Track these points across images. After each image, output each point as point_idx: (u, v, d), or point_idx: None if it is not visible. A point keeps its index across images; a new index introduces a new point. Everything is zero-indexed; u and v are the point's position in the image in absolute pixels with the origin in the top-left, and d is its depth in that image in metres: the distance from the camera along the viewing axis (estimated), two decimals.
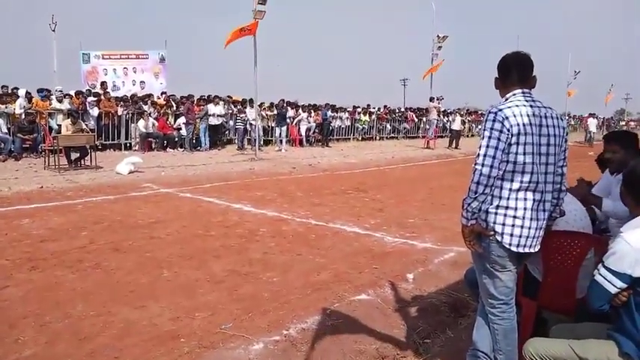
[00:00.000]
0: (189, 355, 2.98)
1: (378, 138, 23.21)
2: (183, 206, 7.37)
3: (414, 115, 25.92)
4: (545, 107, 2.34)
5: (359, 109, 22.86)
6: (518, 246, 2.30)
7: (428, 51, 21.13)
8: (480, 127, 23.53)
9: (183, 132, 15.38)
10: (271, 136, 18.32)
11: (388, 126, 24.36)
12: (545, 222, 2.38)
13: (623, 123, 43.22)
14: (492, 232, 2.31)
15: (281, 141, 16.95)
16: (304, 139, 19.03)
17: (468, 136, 27.16)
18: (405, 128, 25.30)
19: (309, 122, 19.46)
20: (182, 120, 15.39)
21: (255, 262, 4.80)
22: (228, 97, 18.11)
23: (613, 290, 2.01)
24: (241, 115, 16.49)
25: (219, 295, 3.95)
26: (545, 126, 2.30)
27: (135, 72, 19.55)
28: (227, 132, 17.63)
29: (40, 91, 13.84)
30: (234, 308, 3.67)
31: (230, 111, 17.16)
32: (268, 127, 18.42)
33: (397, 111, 26.14)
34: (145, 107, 15.28)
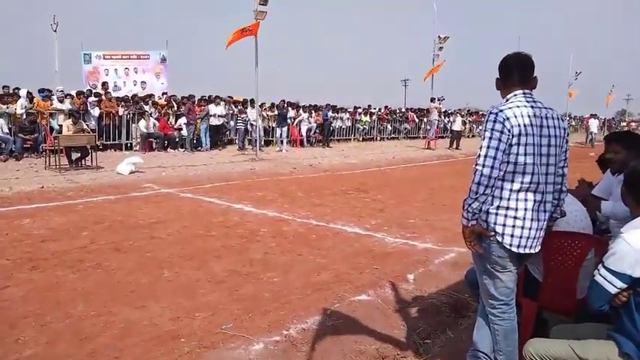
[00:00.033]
0: (190, 355, 2.98)
1: (378, 138, 23.21)
2: (184, 206, 7.37)
3: (414, 116, 25.92)
4: (546, 108, 2.34)
5: (360, 110, 22.88)
6: (518, 246, 2.30)
7: (429, 51, 21.15)
8: (480, 127, 23.52)
9: (184, 132, 15.39)
10: (272, 137, 18.33)
11: (389, 126, 24.36)
12: (545, 223, 2.38)
13: (624, 124, 43.18)
14: (493, 233, 2.31)
15: (282, 141, 16.96)
16: (305, 140, 19.03)
17: (468, 136, 27.16)
18: (405, 129, 25.30)
19: (310, 123, 19.47)
20: (183, 120, 15.40)
21: (256, 262, 4.80)
22: (229, 97, 18.12)
23: (613, 290, 2.02)
24: (242, 116, 16.50)
25: (220, 295, 3.95)
26: (546, 127, 2.30)
27: (136, 72, 19.57)
28: (228, 132, 17.64)
29: (41, 91, 13.86)
30: (234, 308, 3.68)
31: (231, 111, 17.18)
32: (269, 127, 18.43)
33: (398, 111, 26.13)
34: (146, 107, 15.30)
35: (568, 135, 2.42)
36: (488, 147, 2.23)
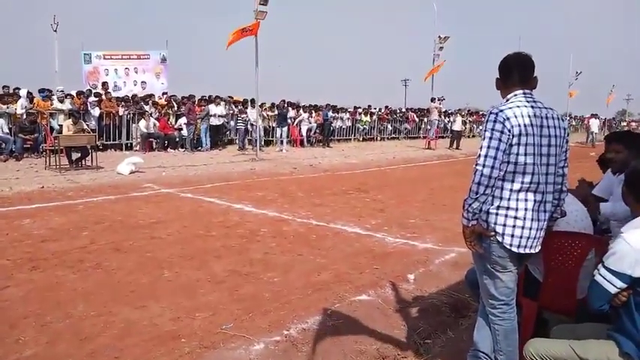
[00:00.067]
0: (190, 355, 2.98)
1: (379, 138, 23.22)
2: (184, 206, 7.37)
3: (415, 116, 25.92)
4: (546, 108, 2.34)
5: (360, 110, 22.89)
6: (518, 247, 2.30)
7: (429, 51, 21.12)
8: (481, 127, 23.53)
9: (184, 132, 15.39)
10: (272, 137, 18.33)
11: (389, 126, 24.37)
12: (545, 223, 2.38)
13: (625, 124, 43.16)
14: (493, 233, 2.31)
15: (282, 141, 16.96)
16: (305, 140, 19.03)
17: (469, 136, 27.15)
18: (406, 129, 25.31)
19: (310, 122, 19.47)
20: (183, 120, 15.40)
21: (256, 262, 4.80)
22: (229, 97, 18.12)
23: (613, 290, 2.02)
24: (242, 116, 16.51)
25: (220, 295, 3.95)
26: (546, 127, 2.30)
27: (136, 72, 19.57)
28: (228, 132, 17.65)
29: (41, 91, 13.87)
30: (234, 308, 3.67)
31: (231, 111, 17.18)
32: (269, 127, 18.43)
33: (398, 111, 26.13)
34: (146, 107, 15.31)
35: (568, 135, 2.42)
36: (488, 147, 2.23)
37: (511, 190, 2.29)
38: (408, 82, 62.77)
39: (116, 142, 14.53)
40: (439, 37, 20.86)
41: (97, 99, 14.78)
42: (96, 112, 14.03)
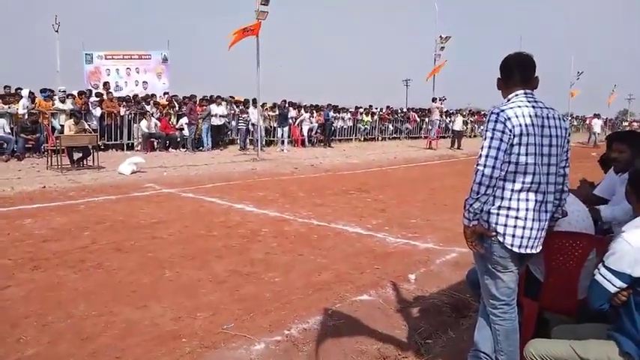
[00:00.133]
0: (191, 355, 2.98)
1: (380, 138, 23.20)
2: (186, 206, 7.38)
3: (416, 116, 25.90)
4: (547, 108, 2.34)
5: (361, 110, 22.88)
6: (519, 247, 2.30)
7: (430, 51, 21.10)
8: (482, 127, 23.48)
9: (186, 132, 15.40)
10: (273, 137, 18.33)
11: (390, 126, 24.35)
12: (547, 223, 2.38)
13: (626, 124, 43.05)
14: (494, 233, 2.31)
15: (283, 141, 16.97)
16: (306, 140, 19.03)
17: (470, 136, 27.12)
18: (407, 129, 25.29)
19: (312, 122, 19.47)
20: (184, 120, 15.41)
21: (257, 262, 4.80)
22: (231, 97, 18.12)
23: (613, 290, 2.02)
24: (243, 116, 16.51)
25: (221, 295, 3.95)
26: (547, 127, 2.30)
27: (138, 72, 19.57)
28: (229, 132, 17.65)
29: (43, 91, 13.88)
30: (235, 308, 3.68)
31: (232, 111, 17.18)
32: (270, 127, 18.44)
33: (399, 111, 26.12)
34: (148, 107, 15.31)
35: (569, 135, 2.42)
36: (489, 147, 2.23)
37: (512, 190, 2.29)
38: (410, 82, 62.61)
39: (117, 142, 14.54)
40: (440, 36, 20.84)
41: (98, 99, 14.79)
42: (97, 112, 14.05)
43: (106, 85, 16.98)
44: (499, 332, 2.45)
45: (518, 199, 2.29)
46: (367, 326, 3.44)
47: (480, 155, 2.25)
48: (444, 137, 23.08)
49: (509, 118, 2.23)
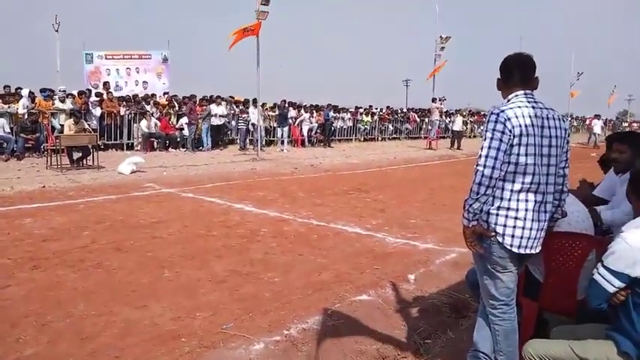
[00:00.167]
0: (190, 355, 2.98)
1: (380, 138, 23.20)
2: (185, 206, 7.38)
3: (416, 116, 25.91)
4: (547, 108, 2.34)
5: (361, 110, 22.88)
6: (519, 247, 2.30)
7: (430, 52, 21.08)
8: (482, 127, 23.47)
9: (186, 132, 15.40)
10: (273, 137, 18.34)
11: (390, 127, 24.36)
12: (546, 223, 2.38)
13: (626, 124, 43.05)
14: (493, 233, 2.31)
15: (283, 141, 16.97)
16: (306, 140, 19.03)
17: (470, 136, 27.13)
18: (407, 129, 25.30)
19: (311, 122, 19.47)
20: (184, 120, 15.41)
21: (257, 262, 4.80)
22: (231, 97, 18.12)
23: (611, 289, 2.02)
24: (243, 116, 16.51)
25: (221, 295, 3.95)
26: (547, 127, 2.30)
27: (138, 72, 19.56)
28: (229, 132, 17.66)
29: (43, 90, 13.87)
30: (235, 308, 3.68)
31: (232, 111, 17.18)
32: (270, 127, 18.44)
33: (399, 112, 26.12)
34: (148, 107, 15.31)
35: (569, 135, 2.42)
36: (489, 147, 2.23)
37: (512, 190, 2.29)
38: (410, 82, 62.65)
39: (117, 141, 14.54)
40: (440, 37, 20.83)
41: (98, 99, 14.80)
42: (97, 111, 14.05)
43: (105, 84, 16.98)
44: (498, 332, 2.45)
45: (518, 200, 2.29)
46: (366, 326, 3.44)
47: (480, 155, 2.25)
48: (443, 137, 23.08)
49: (509, 119, 2.23)
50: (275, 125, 17.95)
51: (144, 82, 19.47)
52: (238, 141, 16.73)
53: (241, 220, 6.55)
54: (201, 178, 10.13)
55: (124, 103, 15.13)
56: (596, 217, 2.98)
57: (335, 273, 4.54)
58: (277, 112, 17.60)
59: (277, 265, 4.71)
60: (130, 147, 14.75)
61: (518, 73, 2.38)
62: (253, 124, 16.18)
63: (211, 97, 17.07)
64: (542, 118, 2.29)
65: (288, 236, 5.82)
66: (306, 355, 3.03)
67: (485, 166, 2.22)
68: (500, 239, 2.30)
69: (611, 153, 3.38)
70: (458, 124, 21.53)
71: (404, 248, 5.47)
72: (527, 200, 2.29)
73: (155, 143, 15.12)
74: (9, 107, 12.43)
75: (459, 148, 20.27)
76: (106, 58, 19.23)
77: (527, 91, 2.36)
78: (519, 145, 2.24)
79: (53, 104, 13.31)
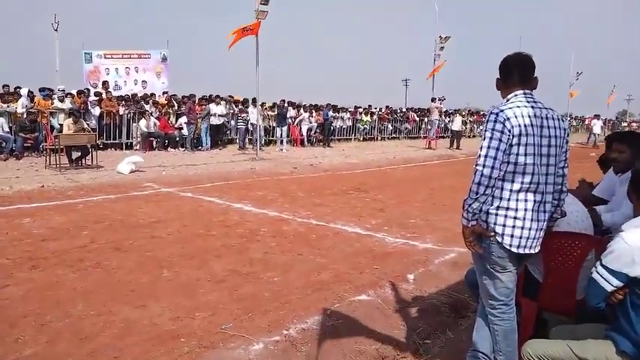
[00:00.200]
0: (190, 355, 2.98)
1: (379, 138, 23.21)
2: (184, 206, 7.37)
3: (415, 116, 25.92)
4: (546, 108, 2.34)
5: (360, 110, 22.88)
6: (518, 247, 2.30)
7: (430, 51, 21.09)
8: (481, 127, 23.50)
9: (185, 131, 15.39)
10: (273, 136, 18.33)
11: (390, 126, 24.37)
12: (545, 223, 2.38)
13: (625, 124, 43.10)
14: (493, 233, 2.31)
15: (282, 141, 16.97)
16: (305, 139, 19.03)
17: (469, 136, 27.14)
18: (406, 128, 25.30)
19: (311, 122, 19.47)
20: (183, 119, 15.41)
21: (256, 261, 4.80)
22: (230, 96, 18.11)
23: (609, 288, 2.02)
24: (243, 115, 16.51)
25: (220, 294, 3.95)
26: (546, 127, 2.30)
27: (137, 71, 19.55)
28: (228, 132, 17.65)
29: (42, 90, 13.87)
30: (234, 308, 3.67)
31: (231, 111, 17.18)
32: (270, 127, 18.44)
33: (399, 111, 26.13)
34: (147, 107, 15.31)
35: (568, 135, 2.42)
36: (488, 147, 2.23)
37: (511, 190, 2.29)
38: (409, 82, 62.62)
39: (116, 141, 14.54)
40: (440, 37, 20.83)
41: (97, 98, 14.79)
42: (96, 111, 14.04)
43: (105, 84, 16.99)
44: (497, 332, 2.45)
45: (517, 200, 2.29)
46: (366, 326, 3.44)
47: (479, 155, 2.25)
48: (443, 137, 23.09)
49: (508, 119, 2.23)
50: (274, 125, 17.94)
51: (143, 81, 19.46)
52: (237, 140, 16.72)
53: (240, 220, 6.54)
54: (201, 178, 10.12)
55: (123, 102, 15.12)
56: (595, 217, 2.98)
57: (334, 273, 4.53)
58: (276, 112, 17.59)
59: (277, 265, 4.71)
60: (129, 146, 14.74)
61: (517, 72, 2.38)
62: (252, 124, 16.18)
63: (210, 96, 17.07)
64: (542, 118, 2.29)
65: (287, 236, 5.81)
66: (306, 355, 3.03)
67: (484, 166, 2.22)
68: (499, 239, 2.30)
69: (610, 153, 3.38)
70: (457, 124, 21.55)
71: (403, 248, 5.47)
72: (526, 200, 2.29)
73: (154, 143, 15.11)
74: (8, 106, 12.42)
75: (458, 147, 20.27)
76: (105, 58, 19.21)
77: (527, 91, 2.36)
78: (519, 144, 2.24)
79: (52, 104, 13.31)
